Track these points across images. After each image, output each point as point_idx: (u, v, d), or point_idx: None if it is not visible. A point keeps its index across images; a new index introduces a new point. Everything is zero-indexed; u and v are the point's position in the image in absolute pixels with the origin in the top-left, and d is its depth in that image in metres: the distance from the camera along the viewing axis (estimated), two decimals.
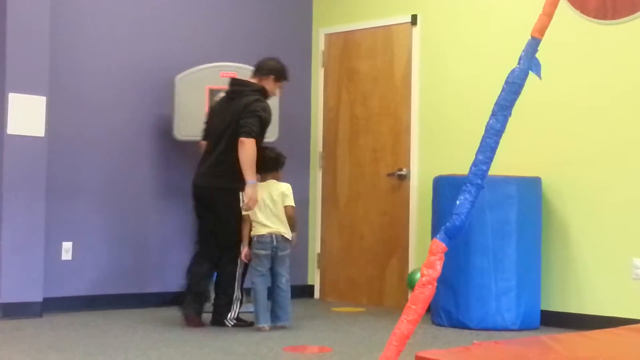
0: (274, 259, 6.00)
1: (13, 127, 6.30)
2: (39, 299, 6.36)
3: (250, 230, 6.02)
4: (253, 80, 6.22)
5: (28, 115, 6.35)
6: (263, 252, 5.97)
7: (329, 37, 8.07)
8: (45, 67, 6.45)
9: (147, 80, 7.17)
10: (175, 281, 7.26)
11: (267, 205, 5.99)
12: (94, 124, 6.93)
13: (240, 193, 5.92)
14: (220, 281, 6.15)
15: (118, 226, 7.01)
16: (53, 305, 6.49)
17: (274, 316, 5.99)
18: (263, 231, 5.96)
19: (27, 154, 6.35)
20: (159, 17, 7.31)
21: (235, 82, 6.24)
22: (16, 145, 6.31)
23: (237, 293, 6.09)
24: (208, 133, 6.24)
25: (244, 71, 7.05)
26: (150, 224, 7.19)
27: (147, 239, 7.17)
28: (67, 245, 6.76)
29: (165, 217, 7.26)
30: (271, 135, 7.07)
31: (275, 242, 5.96)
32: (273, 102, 7.10)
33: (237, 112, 5.99)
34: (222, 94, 6.33)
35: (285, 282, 6.01)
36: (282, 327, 5.95)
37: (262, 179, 6.09)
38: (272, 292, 6.03)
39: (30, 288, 6.31)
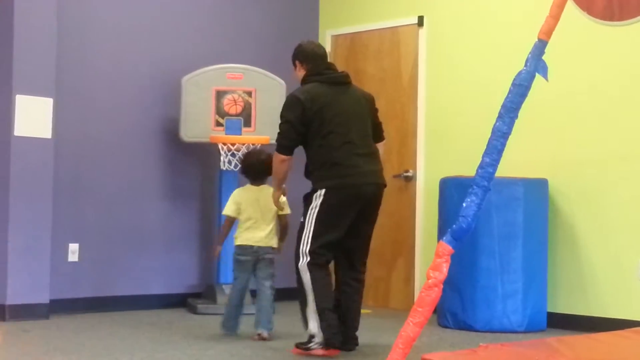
0: (255, 264, 5.71)
1: (20, 129, 6.31)
2: (46, 300, 6.36)
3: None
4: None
5: (35, 117, 6.36)
6: (243, 257, 5.69)
7: (336, 38, 8.06)
8: (52, 69, 6.46)
9: (154, 82, 7.18)
10: (181, 283, 7.28)
11: (262, 212, 5.73)
12: (101, 125, 6.94)
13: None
14: (361, 294, 5.45)
15: (124, 228, 7.02)
16: (59, 307, 6.49)
17: (256, 321, 5.67)
18: (248, 241, 5.69)
19: (34, 155, 6.35)
20: (166, 19, 7.32)
21: (333, 68, 5.50)
22: (23, 147, 6.32)
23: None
24: (340, 123, 5.22)
25: (251, 72, 7.06)
26: (156, 225, 7.19)
27: (153, 241, 7.17)
28: (73, 247, 6.77)
29: (172, 218, 7.26)
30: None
31: (256, 247, 5.68)
32: (277, 103, 7.10)
33: (363, 104, 5.36)
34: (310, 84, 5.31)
35: (270, 290, 5.72)
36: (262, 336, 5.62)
37: (257, 184, 5.81)
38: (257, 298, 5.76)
39: (36, 290, 6.32)
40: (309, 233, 5.11)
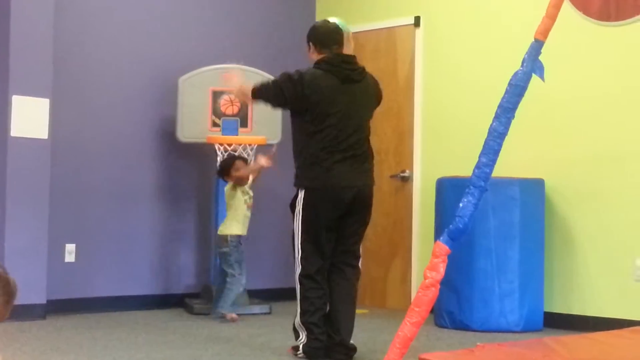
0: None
1: (17, 130, 6.31)
2: (43, 301, 6.36)
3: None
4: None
5: (32, 117, 6.35)
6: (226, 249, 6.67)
7: None
8: (48, 69, 6.45)
9: (151, 82, 7.18)
10: (178, 283, 7.28)
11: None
12: (98, 126, 6.94)
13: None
14: (354, 299, 5.16)
15: (121, 228, 7.02)
16: (56, 308, 6.48)
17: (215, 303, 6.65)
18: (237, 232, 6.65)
19: (31, 156, 6.35)
20: (163, 19, 7.32)
21: (350, 61, 5.15)
22: (20, 148, 6.32)
23: None
24: (334, 123, 4.97)
25: (248, 73, 7.04)
26: (153, 226, 7.19)
27: (150, 241, 7.17)
28: (70, 247, 6.77)
29: (169, 219, 7.27)
30: (274, 137, 7.08)
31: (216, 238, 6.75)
32: None
33: (369, 99, 5.16)
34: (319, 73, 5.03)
35: (228, 278, 6.58)
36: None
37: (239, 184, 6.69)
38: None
39: (33, 290, 6.30)
40: (298, 240, 5.01)
